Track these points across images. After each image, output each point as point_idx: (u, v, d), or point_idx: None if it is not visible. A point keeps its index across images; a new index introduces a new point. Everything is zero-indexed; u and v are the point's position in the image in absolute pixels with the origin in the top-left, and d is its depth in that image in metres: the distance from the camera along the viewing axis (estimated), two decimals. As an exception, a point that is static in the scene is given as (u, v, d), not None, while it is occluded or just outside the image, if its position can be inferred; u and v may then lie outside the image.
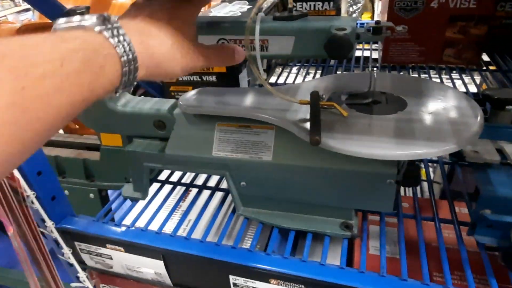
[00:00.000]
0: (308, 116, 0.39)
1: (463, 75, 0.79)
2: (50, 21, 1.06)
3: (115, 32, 0.24)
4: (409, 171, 0.39)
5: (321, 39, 0.37)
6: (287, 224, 0.47)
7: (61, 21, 0.24)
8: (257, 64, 0.39)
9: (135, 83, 0.27)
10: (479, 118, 0.37)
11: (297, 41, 0.39)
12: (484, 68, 0.82)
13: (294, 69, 0.94)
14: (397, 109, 0.40)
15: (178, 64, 0.31)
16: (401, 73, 0.83)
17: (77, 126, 1.39)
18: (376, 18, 2.34)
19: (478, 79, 0.82)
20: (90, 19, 0.24)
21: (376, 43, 0.97)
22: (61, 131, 1.37)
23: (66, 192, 0.91)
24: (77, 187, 0.88)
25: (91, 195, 0.88)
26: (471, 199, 0.49)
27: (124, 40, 0.25)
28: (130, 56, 0.25)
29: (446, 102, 0.41)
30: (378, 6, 2.30)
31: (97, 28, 0.24)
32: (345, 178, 0.42)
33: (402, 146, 0.34)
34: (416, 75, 0.80)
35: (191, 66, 0.32)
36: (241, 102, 0.45)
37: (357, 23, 0.37)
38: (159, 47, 0.29)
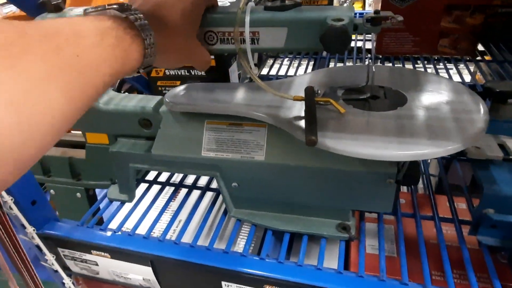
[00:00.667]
0: (303, 114, 0.37)
1: (458, 65, 0.77)
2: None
3: (137, 17, 0.29)
4: (410, 170, 0.37)
5: (316, 31, 0.35)
6: (282, 226, 0.44)
7: (90, 8, 0.29)
8: (248, 58, 0.36)
9: (152, 65, 0.31)
10: (483, 113, 0.35)
11: (290, 32, 0.36)
12: (479, 58, 0.80)
13: (286, 61, 0.91)
14: (397, 105, 0.38)
15: (179, 61, 0.37)
16: (396, 64, 0.81)
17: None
18: (367, 7, 2.31)
19: (472, 68, 0.80)
20: (113, 6, 0.29)
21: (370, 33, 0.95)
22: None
23: (52, 191, 0.87)
24: (63, 186, 0.85)
25: (78, 194, 0.85)
26: (471, 191, 0.48)
27: (146, 25, 0.29)
28: (152, 39, 0.29)
29: (448, 97, 0.39)
30: (370, -5, 2.27)
31: (123, 14, 0.28)
32: (342, 178, 0.40)
33: (405, 146, 0.32)
34: (411, 67, 0.78)
35: (187, 63, 0.38)
36: (231, 99, 0.42)
37: (354, 13, 0.35)
38: (171, 39, 0.33)
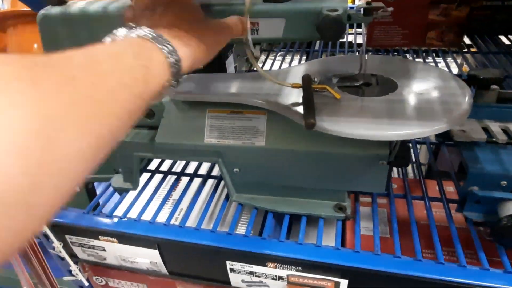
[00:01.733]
0: (300, 100, 0.39)
1: (445, 57, 0.81)
2: (23, 9, 1.01)
3: (147, 32, 0.27)
4: (401, 152, 0.40)
5: (312, 21, 0.37)
6: (282, 209, 0.47)
7: (107, 38, 0.28)
8: (250, 47, 0.38)
9: (183, 74, 0.30)
10: (468, 97, 0.38)
11: (288, 23, 0.38)
12: (466, 50, 0.83)
13: (279, 56, 0.93)
14: (388, 91, 0.40)
15: (206, 52, 0.33)
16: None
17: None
18: (357, 2, 2.34)
19: (459, 61, 0.84)
20: (123, 30, 0.28)
21: (360, 26, 0.97)
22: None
23: (50, 186, 0.88)
24: (61, 180, 0.86)
25: (77, 188, 0.86)
26: (458, 177, 0.51)
27: (159, 36, 0.27)
28: (171, 47, 0.27)
29: (435, 83, 0.42)
30: (359, -9, 2.30)
31: (132, 33, 0.27)
32: (338, 160, 0.42)
33: (395, 127, 0.34)
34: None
35: (223, 40, 0.35)
36: (231, 88, 0.44)
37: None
38: (191, 43, 0.31)
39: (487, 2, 0.82)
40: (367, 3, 0.37)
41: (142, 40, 0.27)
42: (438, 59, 0.80)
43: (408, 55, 0.83)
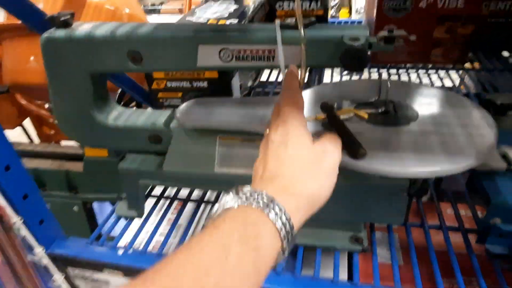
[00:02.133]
0: (319, 128, 0.38)
1: (448, 72, 0.80)
2: (19, 22, 0.99)
3: (256, 197, 0.25)
4: (422, 184, 0.38)
5: (333, 49, 0.36)
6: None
7: (215, 208, 0.26)
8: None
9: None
10: (493, 128, 0.37)
11: (307, 50, 0.37)
12: (470, 67, 0.83)
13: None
14: (409, 120, 0.39)
15: (327, 187, 0.31)
16: (390, 71, 0.83)
17: (52, 132, 1.32)
18: (353, 15, 2.35)
19: (460, 75, 0.83)
20: (235, 198, 0.25)
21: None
22: (36, 140, 1.30)
23: (48, 205, 0.85)
24: (59, 200, 0.83)
25: (75, 208, 0.83)
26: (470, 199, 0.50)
27: (262, 197, 0.25)
28: (278, 208, 0.25)
29: (456, 112, 0.40)
30: (356, 2, 2.31)
31: (242, 201, 0.25)
32: (356, 192, 0.40)
33: (422, 163, 0.33)
34: (405, 75, 0.81)
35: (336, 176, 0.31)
36: (245, 115, 0.43)
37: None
38: (303, 192, 0.28)
39: (492, 19, 0.82)
40: (389, 31, 0.35)
41: (247, 210, 0.25)
42: (441, 71, 0.80)
43: (413, 72, 0.83)
